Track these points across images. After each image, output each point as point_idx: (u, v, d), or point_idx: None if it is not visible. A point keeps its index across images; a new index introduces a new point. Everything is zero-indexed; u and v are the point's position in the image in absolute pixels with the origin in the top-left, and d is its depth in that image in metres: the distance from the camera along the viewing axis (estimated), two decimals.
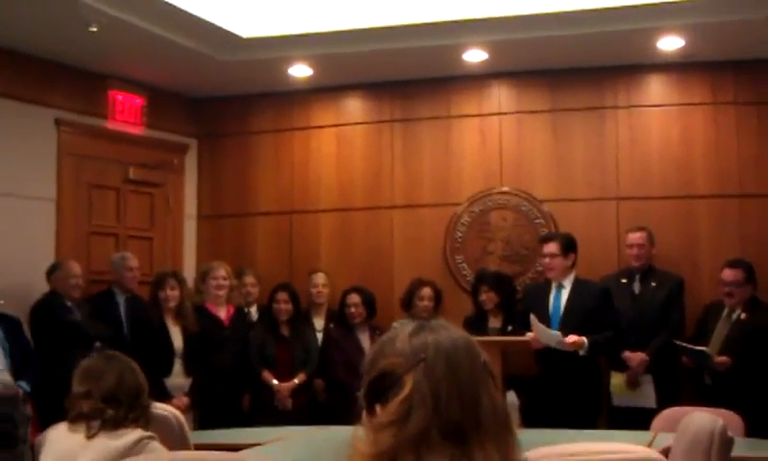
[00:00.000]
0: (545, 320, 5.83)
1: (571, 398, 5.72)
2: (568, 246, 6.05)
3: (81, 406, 2.98)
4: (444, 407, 1.38)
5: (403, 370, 1.42)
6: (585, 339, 5.68)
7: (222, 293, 6.54)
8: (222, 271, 6.58)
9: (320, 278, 7.04)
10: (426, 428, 1.37)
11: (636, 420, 5.18)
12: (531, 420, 5.47)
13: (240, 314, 6.72)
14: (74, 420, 2.98)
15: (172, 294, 6.26)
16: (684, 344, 6.03)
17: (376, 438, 1.39)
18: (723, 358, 5.90)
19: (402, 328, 1.51)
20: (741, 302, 6.12)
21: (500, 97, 7.31)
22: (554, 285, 6.04)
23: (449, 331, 1.49)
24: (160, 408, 3.99)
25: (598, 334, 5.77)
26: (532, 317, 5.61)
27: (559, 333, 5.67)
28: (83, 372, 3.06)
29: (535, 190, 7.17)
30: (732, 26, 6.20)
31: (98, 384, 3.00)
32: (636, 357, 6.12)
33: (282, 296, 6.63)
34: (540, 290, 6.17)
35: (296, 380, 6.43)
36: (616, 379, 6.22)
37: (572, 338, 5.64)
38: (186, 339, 6.24)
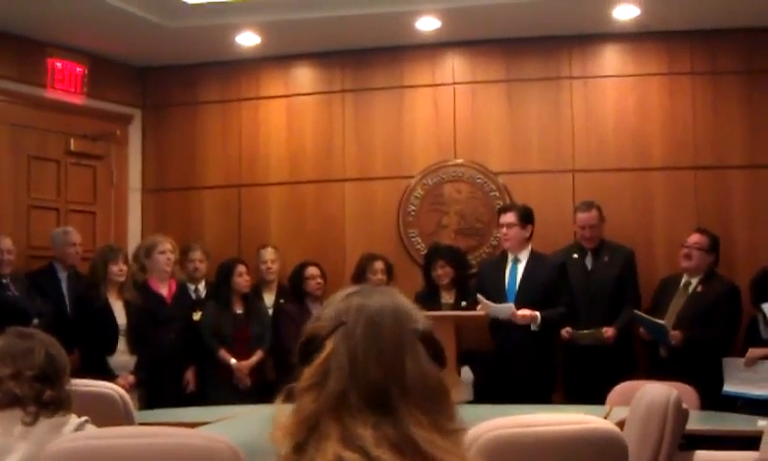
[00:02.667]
0: (501, 294, 5.79)
1: (526, 373, 5.68)
2: (526, 217, 5.98)
3: (10, 389, 2.60)
4: (362, 370, 1.36)
5: (325, 333, 1.41)
6: (537, 314, 5.65)
7: (169, 268, 6.39)
8: (168, 245, 6.42)
9: (269, 253, 6.88)
10: (344, 391, 1.35)
11: (598, 394, 5.10)
12: (487, 395, 5.44)
13: (183, 290, 6.56)
14: (3, 406, 2.60)
15: (122, 269, 6.06)
16: (645, 315, 5.99)
17: (298, 404, 1.38)
18: (675, 333, 5.86)
19: (338, 293, 1.49)
20: (698, 271, 6.10)
21: (454, 67, 7.18)
22: (510, 259, 5.99)
23: (382, 297, 1.46)
24: (104, 386, 3.88)
25: (551, 309, 5.73)
26: (479, 297, 5.56)
27: (511, 305, 5.63)
28: (3, 351, 2.69)
29: (489, 162, 7.07)
30: None
31: (27, 362, 2.64)
32: (609, 333, 6.08)
33: (242, 269, 6.48)
34: (496, 264, 6.12)
35: (254, 358, 6.26)
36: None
37: (524, 312, 5.60)
38: (130, 315, 6.03)
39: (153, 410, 5.41)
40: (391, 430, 1.31)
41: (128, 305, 6.05)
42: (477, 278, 6.25)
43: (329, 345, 1.39)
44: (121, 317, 6.04)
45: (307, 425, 1.34)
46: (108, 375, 5.52)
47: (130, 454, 2.27)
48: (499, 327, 5.61)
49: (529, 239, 5.97)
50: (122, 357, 5.98)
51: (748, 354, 5.73)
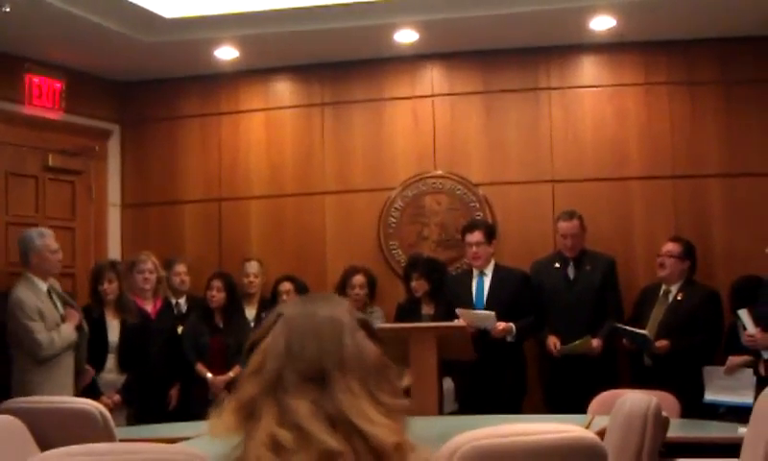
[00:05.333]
0: (470, 307, 6.01)
1: (499, 382, 5.89)
2: (491, 233, 6.27)
3: None
4: (298, 348, 1.39)
5: (267, 328, 1.47)
6: (512, 325, 5.93)
7: (148, 287, 6.37)
8: (149, 264, 6.40)
9: (253, 266, 6.88)
10: (280, 370, 1.38)
11: (579, 403, 5.10)
12: (469, 406, 5.49)
13: (167, 307, 6.55)
14: None
15: (110, 287, 6.03)
16: (627, 327, 6.01)
17: (238, 392, 1.41)
18: (663, 343, 5.88)
19: None
20: (676, 279, 6.13)
21: (433, 79, 7.20)
22: (476, 273, 6.22)
23: (322, 298, 1.53)
24: (84, 403, 3.86)
25: (522, 319, 6.00)
26: (458, 311, 5.72)
27: (492, 314, 5.81)
28: None
29: (469, 173, 7.08)
30: (665, 6, 6.20)
31: None
32: (597, 345, 6.08)
33: (216, 284, 6.48)
34: (462, 279, 6.34)
35: (231, 374, 6.21)
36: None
37: (501, 325, 5.85)
38: (125, 333, 6.01)
39: (134, 426, 5.39)
40: (328, 404, 1.34)
41: (123, 324, 6.02)
42: (445, 293, 6.31)
43: (269, 336, 1.44)
44: (113, 334, 6.01)
45: (246, 411, 1.36)
46: (94, 393, 5.50)
47: None
48: (479, 337, 5.67)
49: (493, 253, 6.23)
50: (110, 375, 5.96)
51: (728, 362, 5.75)
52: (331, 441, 1.31)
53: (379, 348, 1.47)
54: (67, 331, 5.53)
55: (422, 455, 1.42)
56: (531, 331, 6.17)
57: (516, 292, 6.10)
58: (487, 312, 5.86)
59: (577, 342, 6.01)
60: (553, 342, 6.10)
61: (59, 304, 5.66)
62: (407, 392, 1.63)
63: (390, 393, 1.41)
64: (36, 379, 5.38)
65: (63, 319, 5.61)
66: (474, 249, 6.16)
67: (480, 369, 5.80)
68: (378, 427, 1.34)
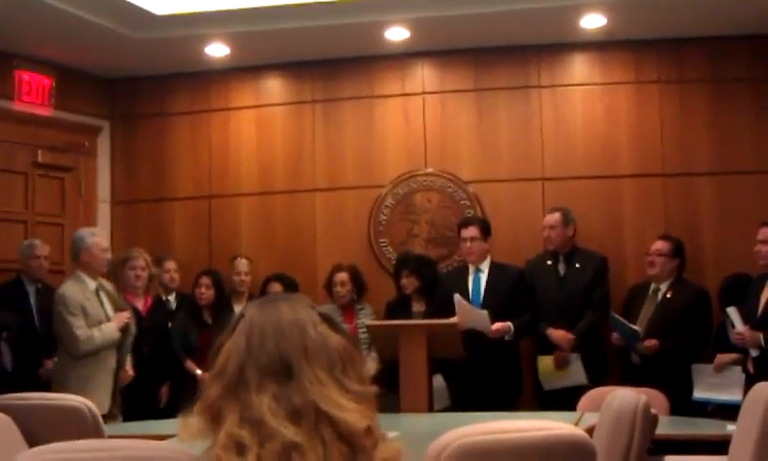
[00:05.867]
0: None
1: (494, 381, 5.84)
2: (487, 229, 6.21)
3: None
4: (258, 343, 1.39)
5: (230, 330, 1.47)
6: (510, 324, 5.88)
7: (140, 283, 6.34)
8: (141, 260, 6.35)
9: (243, 264, 6.86)
10: (242, 367, 1.38)
11: (570, 401, 5.12)
12: (461, 403, 5.49)
13: (158, 304, 6.54)
14: None
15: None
16: (621, 319, 6.00)
17: (204, 395, 1.41)
18: (651, 342, 5.88)
19: None
20: (665, 277, 6.15)
21: (423, 76, 7.20)
22: (471, 269, 6.17)
23: (285, 297, 1.53)
24: (73, 400, 3.85)
25: (519, 318, 5.96)
26: (456, 297, 5.61)
27: (486, 313, 5.74)
28: None
29: (460, 171, 7.09)
30: (655, 4, 6.21)
31: None
32: (561, 337, 6.07)
33: (205, 281, 6.52)
34: (458, 275, 6.27)
35: None
36: (543, 364, 6.17)
37: (498, 325, 5.80)
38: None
39: (124, 423, 5.37)
40: (294, 395, 1.34)
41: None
42: (440, 290, 6.26)
43: (232, 338, 1.45)
44: None
45: (211, 413, 1.36)
46: None
47: None
48: (470, 335, 5.65)
49: (488, 250, 6.18)
50: None
51: (716, 360, 5.77)
52: (291, 433, 1.30)
53: (343, 338, 1.47)
54: (109, 330, 5.53)
55: (394, 445, 1.42)
56: (528, 330, 6.15)
57: (511, 289, 6.08)
58: (480, 311, 5.81)
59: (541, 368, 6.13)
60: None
61: (106, 304, 5.66)
62: (375, 379, 1.64)
63: (357, 380, 1.41)
64: (73, 375, 5.40)
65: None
66: (468, 244, 6.14)
67: (475, 367, 5.79)
68: (348, 413, 1.34)
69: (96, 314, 5.55)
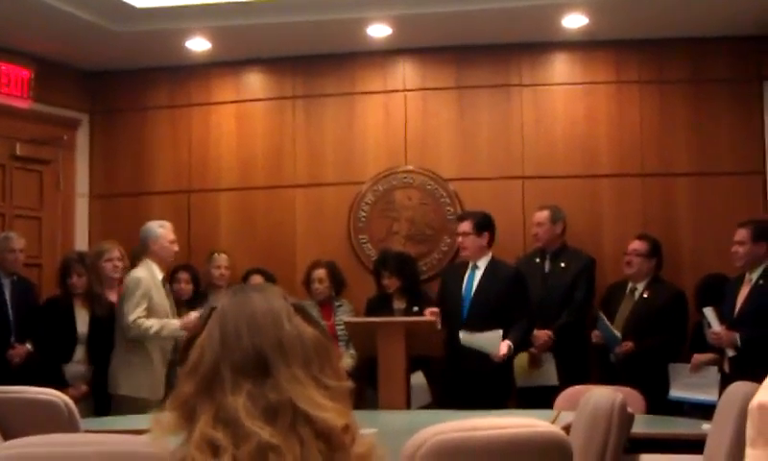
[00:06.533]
0: (458, 300, 5.79)
1: (480, 380, 5.63)
2: (482, 225, 5.94)
3: None
4: (234, 339, 1.36)
5: (202, 323, 1.43)
6: (509, 344, 5.60)
7: (117, 274, 6.29)
8: (116, 252, 6.32)
9: (222, 259, 6.85)
10: (217, 364, 1.35)
11: (545, 400, 5.13)
12: (447, 403, 5.45)
13: None
14: None
15: (79, 281, 6.00)
16: (607, 322, 6.02)
17: (177, 391, 1.38)
18: (627, 346, 5.90)
19: None
20: (642, 277, 6.18)
21: (405, 74, 7.20)
22: (470, 266, 5.97)
23: (257, 288, 1.50)
24: (48, 394, 3.81)
25: (512, 331, 5.66)
26: (462, 336, 5.51)
27: (497, 339, 5.55)
28: None
29: (440, 169, 7.09)
30: (636, 5, 6.24)
31: None
32: (541, 336, 6.09)
33: (183, 276, 6.51)
34: (458, 270, 6.11)
35: None
36: (519, 360, 6.18)
37: (503, 350, 5.55)
38: (94, 325, 5.98)
39: (101, 418, 5.35)
40: (270, 393, 1.32)
41: (93, 316, 5.99)
42: (440, 282, 6.24)
43: (206, 330, 1.41)
44: (82, 326, 5.98)
45: (185, 410, 1.34)
46: (61, 384, 5.42)
47: None
48: (452, 333, 5.62)
49: (488, 247, 5.91)
50: (78, 366, 5.93)
51: (693, 360, 5.81)
52: (267, 435, 1.29)
53: (318, 331, 1.45)
54: (171, 326, 5.74)
55: (367, 440, 1.40)
56: (525, 336, 5.89)
57: (504, 289, 5.80)
58: (492, 336, 5.57)
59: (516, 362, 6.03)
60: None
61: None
62: (350, 374, 1.63)
63: (333, 375, 1.40)
64: (127, 359, 5.72)
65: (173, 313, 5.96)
66: (461, 239, 5.98)
67: (455, 365, 5.72)
68: (327, 412, 1.32)
69: (161, 303, 5.82)
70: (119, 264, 6.30)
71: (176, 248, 6.09)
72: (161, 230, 6.00)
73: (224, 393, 1.32)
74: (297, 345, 1.38)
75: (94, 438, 2.35)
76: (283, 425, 1.30)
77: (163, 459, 1.81)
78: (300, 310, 1.45)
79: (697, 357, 5.79)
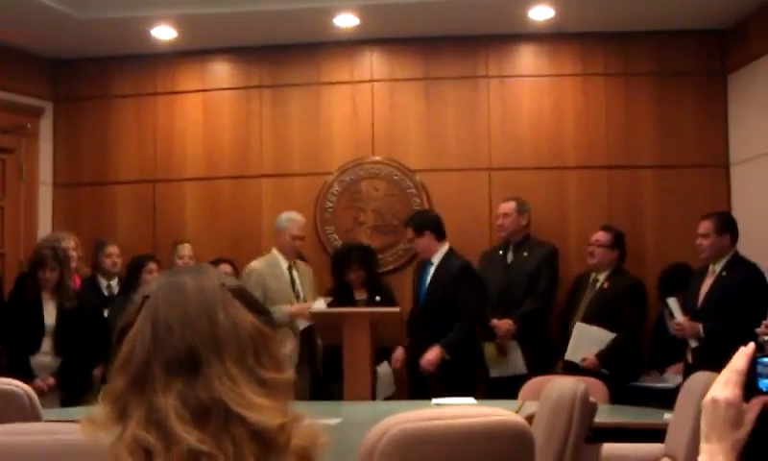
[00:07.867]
0: (417, 294, 6.02)
1: (444, 370, 5.70)
2: (419, 225, 6.09)
3: None
4: (165, 334, 1.30)
5: (134, 311, 1.35)
6: (437, 350, 5.71)
7: (74, 264, 6.23)
8: (72, 242, 6.27)
9: (186, 249, 6.80)
10: (147, 361, 1.29)
11: (516, 390, 5.15)
12: (414, 394, 5.48)
13: (91, 286, 6.45)
14: None
15: (51, 275, 5.85)
16: (592, 327, 6.06)
17: (108, 388, 1.31)
18: (589, 362, 5.93)
19: None
20: (604, 268, 6.23)
21: (372, 64, 7.19)
22: (428, 262, 6.11)
23: (191, 270, 1.42)
24: (9, 384, 3.76)
25: (453, 332, 5.76)
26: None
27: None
28: None
29: (407, 160, 7.09)
30: None
31: None
32: (502, 325, 6.12)
33: (154, 266, 6.43)
34: (421, 266, 6.23)
35: None
36: (488, 350, 6.21)
37: (431, 355, 5.70)
38: (62, 317, 5.87)
39: (65, 409, 5.29)
40: (202, 392, 1.26)
41: (61, 308, 5.88)
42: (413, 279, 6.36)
43: (138, 321, 1.34)
44: (50, 317, 5.87)
45: (117, 407, 1.29)
46: (28, 376, 5.36)
47: (31, 451, 2.20)
48: (414, 323, 5.66)
49: (438, 242, 6.04)
50: (45, 358, 5.83)
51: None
52: (195, 439, 1.23)
53: (258, 316, 1.37)
54: (280, 312, 5.93)
55: (309, 429, 1.33)
56: (465, 338, 5.88)
57: (450, 284, 5.89)
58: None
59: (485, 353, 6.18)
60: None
61: (298, 281, 6.27)
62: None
63: (272, 366, 1.33)
64: None
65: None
66: (413, 245, 6.27)
67: (417, 356, 5.77)
68: (261, 412, 1.26)
69: (281, 288, 6.15)
70: (74, 253, 6.24)
71: (297, 243, 6.35)
72: (288, 223, 6.32)
73: (154, 392, 1.26)
74: (231, 337, 1.31)
75: (55, 427, 2.33)
76: (215, 427, 1.25)
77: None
78: (239, 294, 1.38)
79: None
